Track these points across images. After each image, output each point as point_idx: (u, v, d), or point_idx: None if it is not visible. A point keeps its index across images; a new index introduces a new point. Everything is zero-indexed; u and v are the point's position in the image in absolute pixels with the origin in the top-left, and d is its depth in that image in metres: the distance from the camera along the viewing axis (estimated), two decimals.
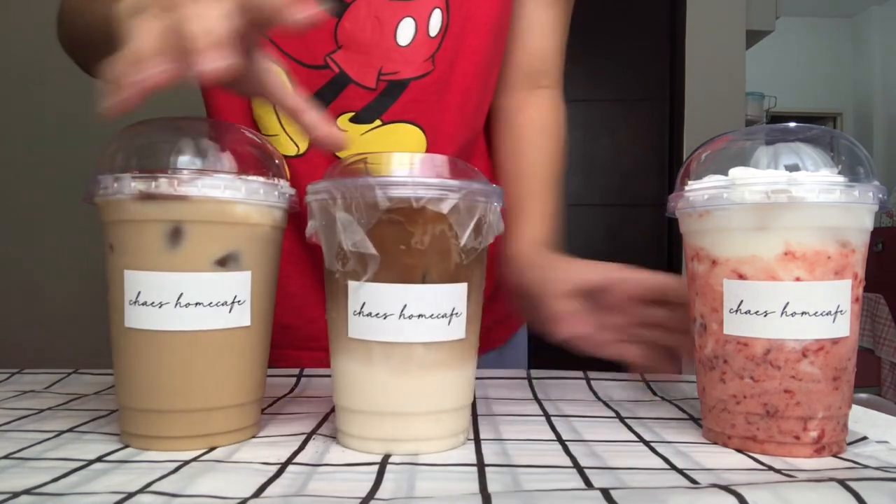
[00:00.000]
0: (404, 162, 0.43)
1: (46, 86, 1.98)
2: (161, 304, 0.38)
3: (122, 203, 0.39)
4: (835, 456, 0.39)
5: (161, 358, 0.39)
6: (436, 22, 0.65)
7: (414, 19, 0.64)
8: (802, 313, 0.38)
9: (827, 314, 0.38)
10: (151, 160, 0.40)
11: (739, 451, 0.39)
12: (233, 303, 0.40)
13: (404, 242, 0.38)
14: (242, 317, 0.40)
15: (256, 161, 0.41)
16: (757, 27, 2.47)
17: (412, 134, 0.66)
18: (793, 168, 0.39)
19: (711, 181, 0.40)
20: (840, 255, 0.38)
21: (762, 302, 0.39)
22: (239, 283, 0.40)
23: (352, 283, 0.38)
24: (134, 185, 0.38)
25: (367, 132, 0.64)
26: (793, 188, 0.37)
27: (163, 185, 0.38)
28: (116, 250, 0.40)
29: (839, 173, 0.39)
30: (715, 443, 0.41)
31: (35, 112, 2.03)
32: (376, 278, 0.38)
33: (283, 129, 0.65)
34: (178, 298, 0.38)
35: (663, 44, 2.67)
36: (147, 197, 0.38)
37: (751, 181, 0.38)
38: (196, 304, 0.38)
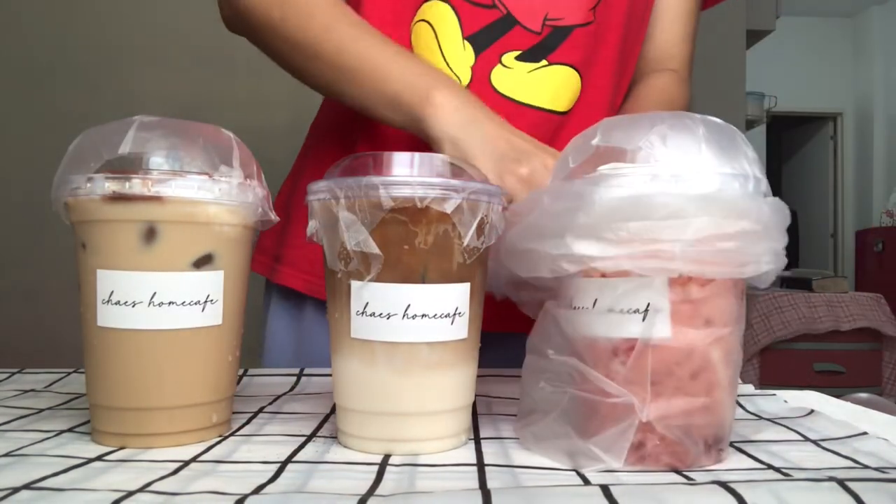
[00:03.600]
0: (405, 162, 0.43)
1: (46, 85, 1.98)
2: (134, 304, 0.39)
3: (95, 203, 0.39)
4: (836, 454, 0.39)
5: (134, 356, 0.39)
6: None
7: None
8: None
9: None
10: (125, 160, 0.40)
11: (739, 450, 0.39)
12: (205, 302, 0.40)
13: (407, 242, 0.38)
14: (215, 316, 0.41)
15: (230, 162, 0.42)
16: (757, 27, 2.47)
17: (572, 77, 0.69)
18: None
19: None
20: None
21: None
22: (212, 283, 0.40)
23: (354, 283, 0.38)
24: (108, 185, 0.38)
25: (533, 70, 0.67)
26: None
27: (136, 185, 0.38)
28: (89, 249, 0.40)
29: None
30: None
31: (35, 112, 2.03)
32: (379, 278, 0.38)
33: (448, 66, 0.66)
34: (152, 298, 0.39)
35: None
36: (121, 197, 0.38)
37: None
38: (169, 303, 0.39)
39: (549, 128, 0.68)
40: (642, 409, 0.35)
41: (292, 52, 0.61)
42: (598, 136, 0.39)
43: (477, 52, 0.66)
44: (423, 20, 0.66)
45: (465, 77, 0.66)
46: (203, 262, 0.40)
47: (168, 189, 0.39)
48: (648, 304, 0.36)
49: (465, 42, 0.66)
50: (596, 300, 0.37)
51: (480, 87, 0.66)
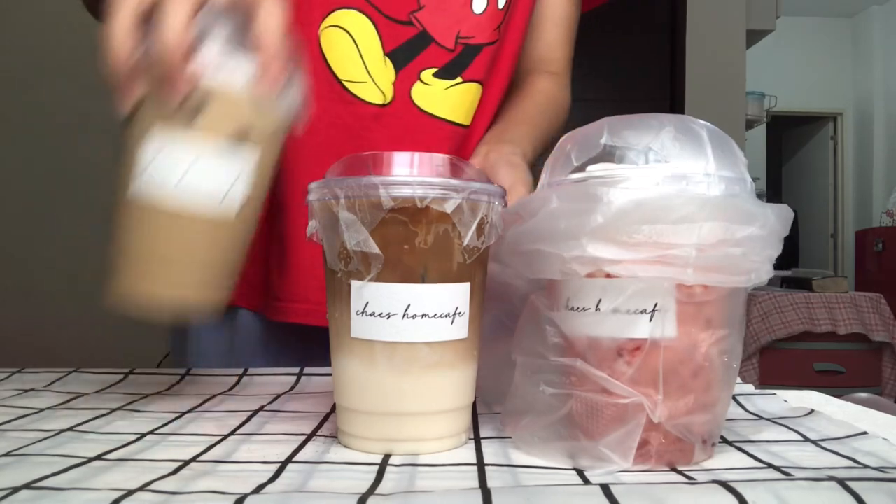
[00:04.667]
0: (405, 161, 0.43)
1: (47, 85, 1.98)
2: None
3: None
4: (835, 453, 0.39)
5: (162, 233, 0.44)
6: None
7: None
8: None
9: None
10: None
11: (739, 450, 0.39)
12: (235, 182, 0.44)
13: (407, 242, 0.38)
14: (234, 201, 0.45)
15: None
16: (757, 27, 2.47)
17: (479, 92, 0.73)
18: None
19: None
20: None
21: None
22: (242, 165, 0.44)
23: (355, 283, 0.38)
24: None
25: (450, 87, 0.70)
26: None
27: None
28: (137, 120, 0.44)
29: None
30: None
31: (35, 111, 2.03)
32: (379, 278, 0.38)
33: (372, 80, 0.67)
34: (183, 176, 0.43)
35: (663, 44, 2.67)
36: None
37: None
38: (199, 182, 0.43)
39: (458, 141, 0.71)
40: (654, 409, 0.35)
41: None
42: (605, 135, 0.39)
43: (397, 68, 0.68)
44: (337, 26, 0.67)
45: (389, 93, 0.68)
46: (240, 135, 0.44)
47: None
48: (656, 305, 0.36)
49: (386, 58, 0.68)
50: (600, 301, 0.37)
51: (402, 103, 0.68)
